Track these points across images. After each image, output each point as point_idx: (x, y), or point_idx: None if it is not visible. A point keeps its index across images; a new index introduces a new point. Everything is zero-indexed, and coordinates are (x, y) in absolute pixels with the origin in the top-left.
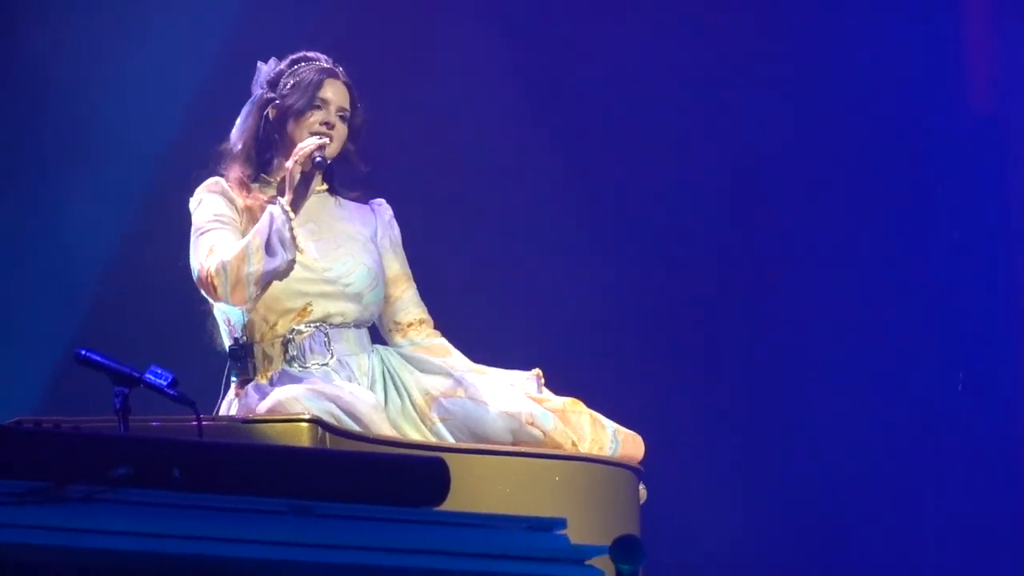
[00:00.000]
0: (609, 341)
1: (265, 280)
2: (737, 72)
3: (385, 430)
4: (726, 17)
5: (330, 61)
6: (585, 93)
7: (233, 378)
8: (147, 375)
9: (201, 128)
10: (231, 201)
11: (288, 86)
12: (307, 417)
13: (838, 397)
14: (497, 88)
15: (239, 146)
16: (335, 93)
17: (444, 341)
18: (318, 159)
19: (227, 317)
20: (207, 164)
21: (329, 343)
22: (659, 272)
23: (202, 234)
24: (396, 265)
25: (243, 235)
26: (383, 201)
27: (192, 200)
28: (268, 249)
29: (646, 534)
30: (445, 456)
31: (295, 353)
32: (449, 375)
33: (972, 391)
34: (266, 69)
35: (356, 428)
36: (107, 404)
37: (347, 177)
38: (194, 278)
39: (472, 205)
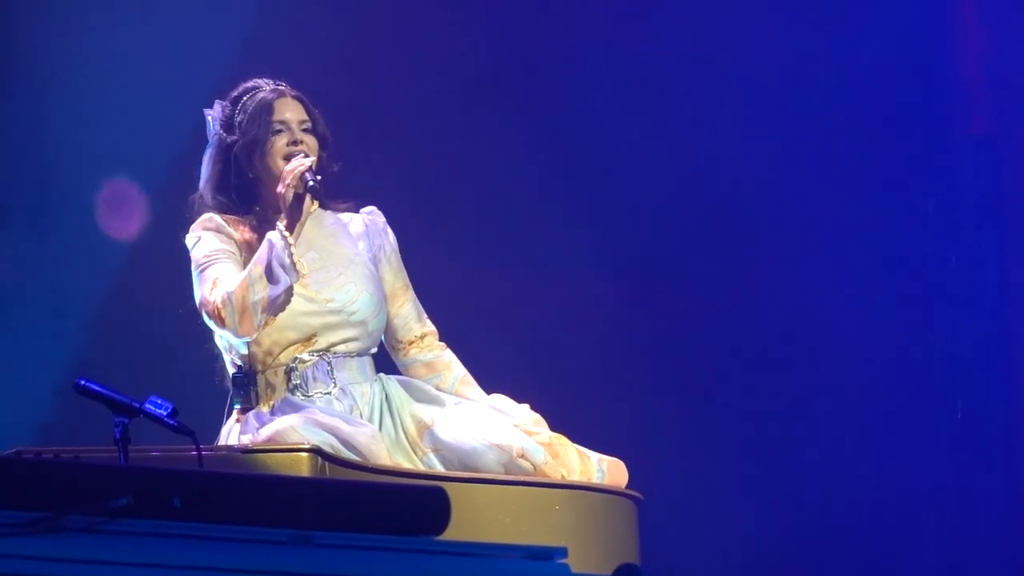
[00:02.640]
0: (605, 356)
1: (271, 307)
2: (731, 81)
3: (384, 460)
4: (722, 25)
5: (274, 82)
6: (577, 102)
7: (236, 405)
8: (147, 405)
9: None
10: (229, 236)
11: (243, 123)
12: (307, 447)
13: (839, 423)
14: (485, 100)
15: (210, 193)
16: (290, 110)
17: (445, 355)
18: (311, 183)
19: (230, 345)
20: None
21: (332, 372)
22: (656, 282)
23: (204, 269)
24: (392, 277)
25: (244, 267)
26: (374, 209)
27: (189, 237)
28: (270, 276)
29: (646, 562)
30: (445, 485)
31: (298, 382)
32: (442, 404)
33: (971, 418)
34: (215, 114)
35: (355, 459)
36: (107, 434)
37: (334, 188)
38: (201, 312)
39: (462, 219)
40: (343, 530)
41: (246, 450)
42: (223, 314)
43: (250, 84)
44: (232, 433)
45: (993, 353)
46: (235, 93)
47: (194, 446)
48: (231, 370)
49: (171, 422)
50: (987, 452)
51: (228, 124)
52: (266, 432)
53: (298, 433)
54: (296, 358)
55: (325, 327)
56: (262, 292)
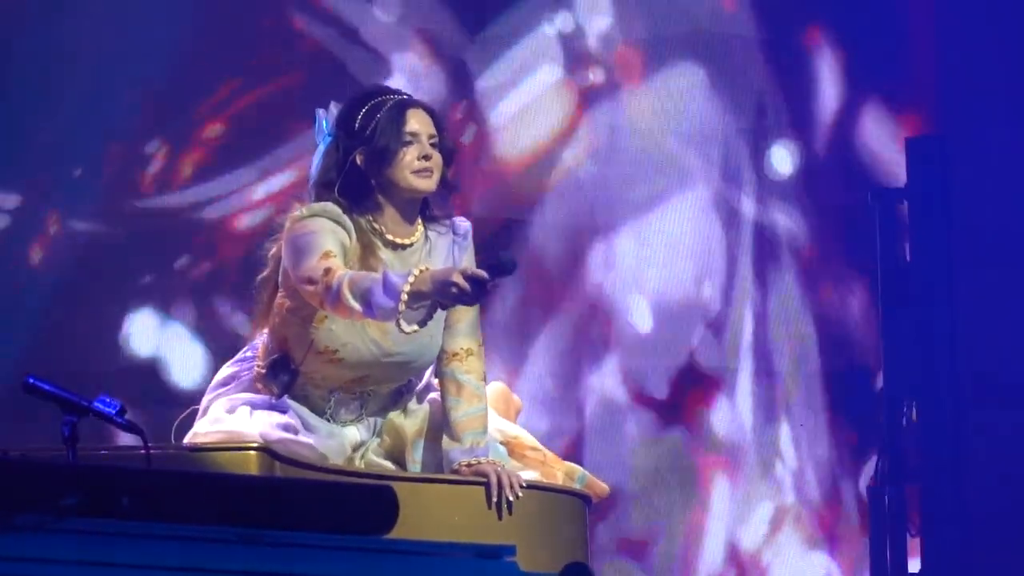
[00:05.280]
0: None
1: (354, 316)
2: None
3: (333, 459)
4: None
5: (398, 91)
6: None
7: (259, 369)
8: (96, 403)
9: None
10: (346, 230)
11: (369, 128)
12: (255, 445)
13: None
14: None
15: (320, 191)
16: (420, 123)
17: (479, 390)
18: (488, 287)
19: (286, 340)
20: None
21: (364, 406)
22: None
23: (312, 238)
24: None
25: (346, 261)
26: (468, 227)
27: (297, 212)
28: (370, 306)
29: (595, 562)
30: (394, 484)
31: (331, 408)
32: (427, 424)
33: (922, 423)
34: (329, 114)
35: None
36: (55, 433)
37: (441, 200)
38: (301, 280)
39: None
40: (292, 529)
41: (195, 448)
42: (344, 291)
43: (371, 88)
44: (242, 380)
45: (942, 353)
46: (356, 96)
47: (143, 445)
48: (273, 348)
49: (120, 420)
50: (937, 457)
51: (349, 127)
52: (220, 432)
53: (252, 436)
54: (340, 388)
55: (382, 373)
56: (357, 306)
